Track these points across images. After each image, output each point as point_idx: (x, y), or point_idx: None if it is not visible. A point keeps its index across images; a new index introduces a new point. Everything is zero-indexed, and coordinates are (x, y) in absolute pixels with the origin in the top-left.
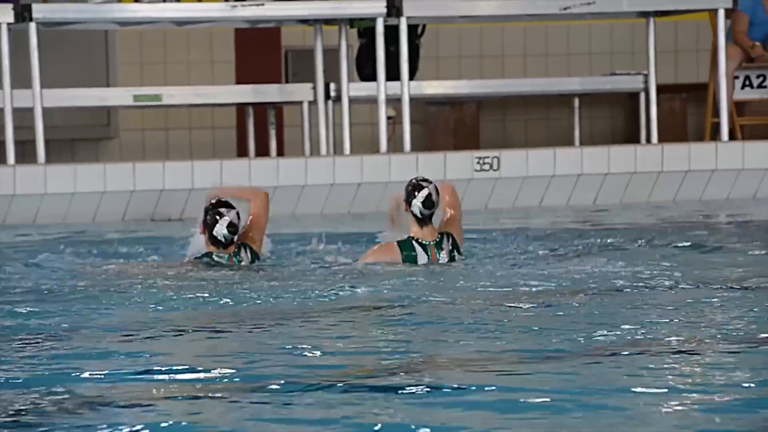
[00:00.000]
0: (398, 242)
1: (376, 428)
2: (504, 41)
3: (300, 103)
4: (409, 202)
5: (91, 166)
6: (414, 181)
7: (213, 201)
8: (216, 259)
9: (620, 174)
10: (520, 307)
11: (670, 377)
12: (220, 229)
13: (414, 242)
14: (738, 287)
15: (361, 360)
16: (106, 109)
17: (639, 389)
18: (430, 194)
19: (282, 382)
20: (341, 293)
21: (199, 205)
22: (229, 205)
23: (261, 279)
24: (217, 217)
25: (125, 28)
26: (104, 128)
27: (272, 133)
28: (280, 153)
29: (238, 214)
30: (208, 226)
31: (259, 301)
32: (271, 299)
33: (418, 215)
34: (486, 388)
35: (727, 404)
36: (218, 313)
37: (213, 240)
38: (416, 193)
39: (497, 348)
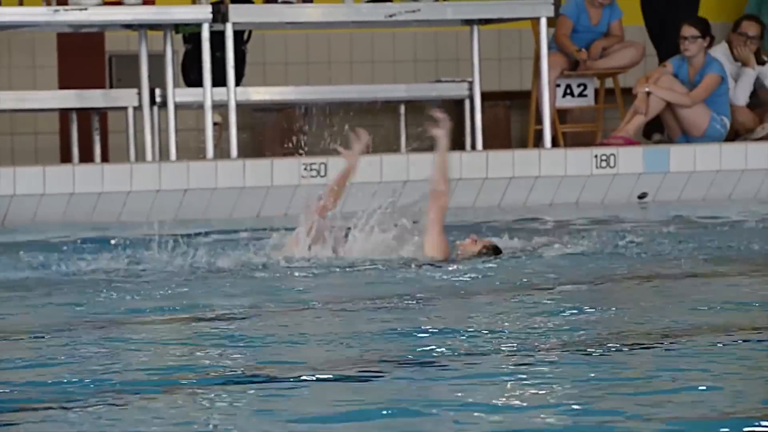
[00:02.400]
0: None
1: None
2: (330, 48)
3: (125, 108)
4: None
5: None
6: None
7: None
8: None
9: None
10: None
11: (497, 386)
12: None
13: None
14: (559, 292)
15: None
16: None
17: (460, 400)
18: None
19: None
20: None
21: (22, 211)
22: None
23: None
24: None
25: None
26: None
27: (96, 138)
28: (105, 159)
29: None
30: None
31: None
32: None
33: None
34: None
35: (553, 413)
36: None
37: None
38: None
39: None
